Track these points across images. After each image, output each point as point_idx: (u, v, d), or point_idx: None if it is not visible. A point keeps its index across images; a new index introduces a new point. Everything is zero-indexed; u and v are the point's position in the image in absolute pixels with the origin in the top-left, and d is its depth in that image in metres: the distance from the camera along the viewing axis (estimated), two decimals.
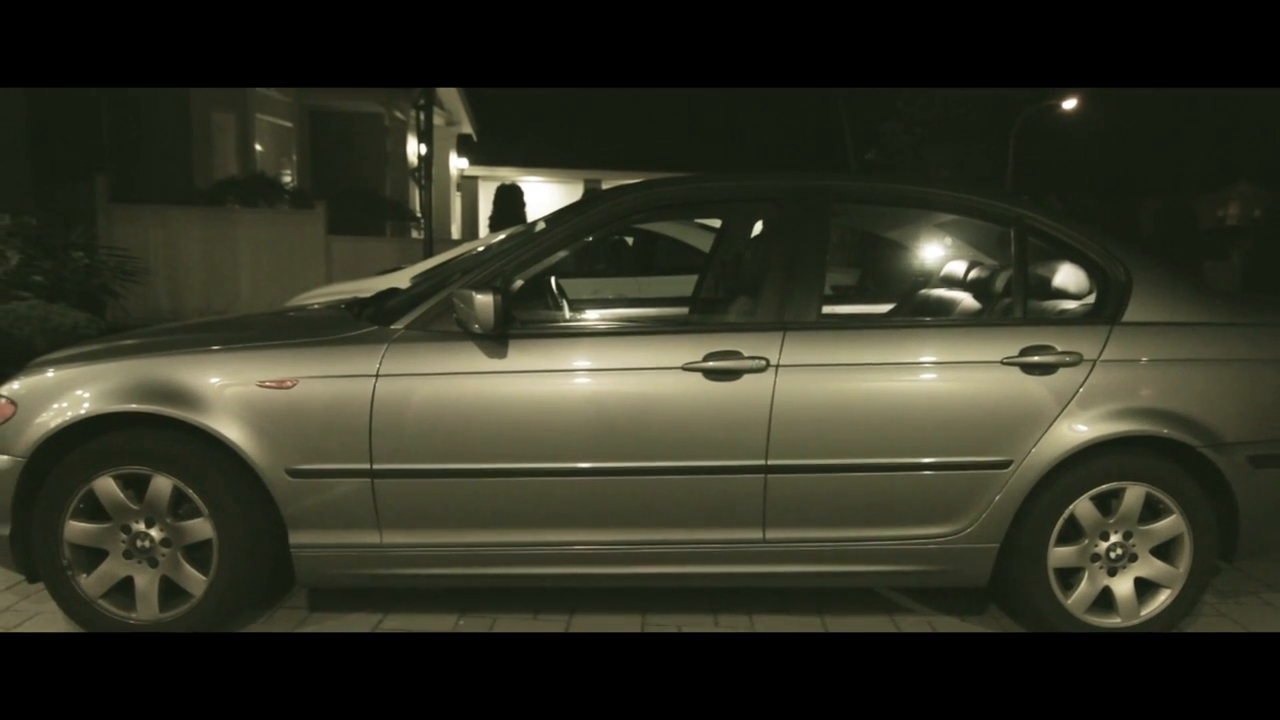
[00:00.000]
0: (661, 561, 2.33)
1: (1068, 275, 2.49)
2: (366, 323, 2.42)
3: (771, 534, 2.32)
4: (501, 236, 4.31)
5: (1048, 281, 2.52)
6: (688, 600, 2.66)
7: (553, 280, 3.20)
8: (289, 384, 2.22)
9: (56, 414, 2.22)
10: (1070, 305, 2.51)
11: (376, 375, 2.23)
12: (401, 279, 4.20)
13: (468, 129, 19.36)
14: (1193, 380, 2.33)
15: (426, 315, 2.32)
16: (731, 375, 2.25)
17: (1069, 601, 2.36)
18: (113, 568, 2.29)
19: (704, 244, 5.11)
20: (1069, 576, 2.38)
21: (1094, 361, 2.30)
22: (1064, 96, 17.70)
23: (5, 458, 2.24)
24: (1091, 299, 2.46)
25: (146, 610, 2.29)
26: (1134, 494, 2.33)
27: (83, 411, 2.21)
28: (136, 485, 2.26)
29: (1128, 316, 2.36)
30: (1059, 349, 2.30)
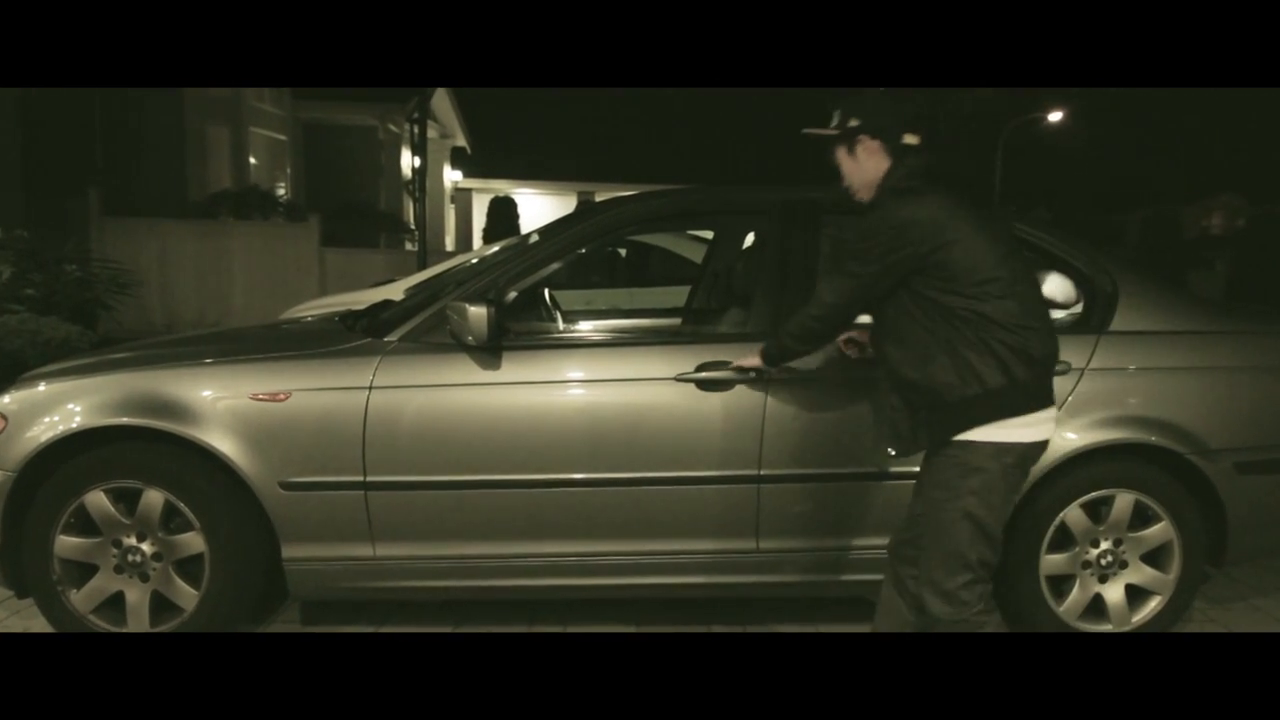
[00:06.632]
0: (655, 572, 2.32)
1: (1055, 285, 2.51)
2: (360, 335, 2.41)
3: (765, 544, 2.31)
4: (495, 249, 4.31)
5: None
6: (682, 611, 2.65)
7: (546, 292, 3.21)
8: (282, 396, 2.21)
9: (48, 428, 2.20)
10: (1058, 315, 2.52)
11: (370, 387, 2.22)
12: (395, 291, 4.19)
13: (461, 141, 19.41)
14: (1179, 388, 2.34)
15: (420, 327, 2.31)
16: (724, 385, 2.25)
17: (1061, 608, 2.36)
18: (103, 583, 2.27)
19: (696, 255, 5.12)
20: (1061, 584, 2.38)
21: (1082, 370, 2.32)
22: (1050, 109, 17.87)
23: None
24: (1079, 308, 2.48)
25: (138, 625, 2.26)
26: (1123, 501, 2.33)
27: (74, 425, 2.20)
28: (128, 499, 2.24)
29: (1115, 326, 2.38)
30: (1058, 354, 2.31)
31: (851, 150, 1.85)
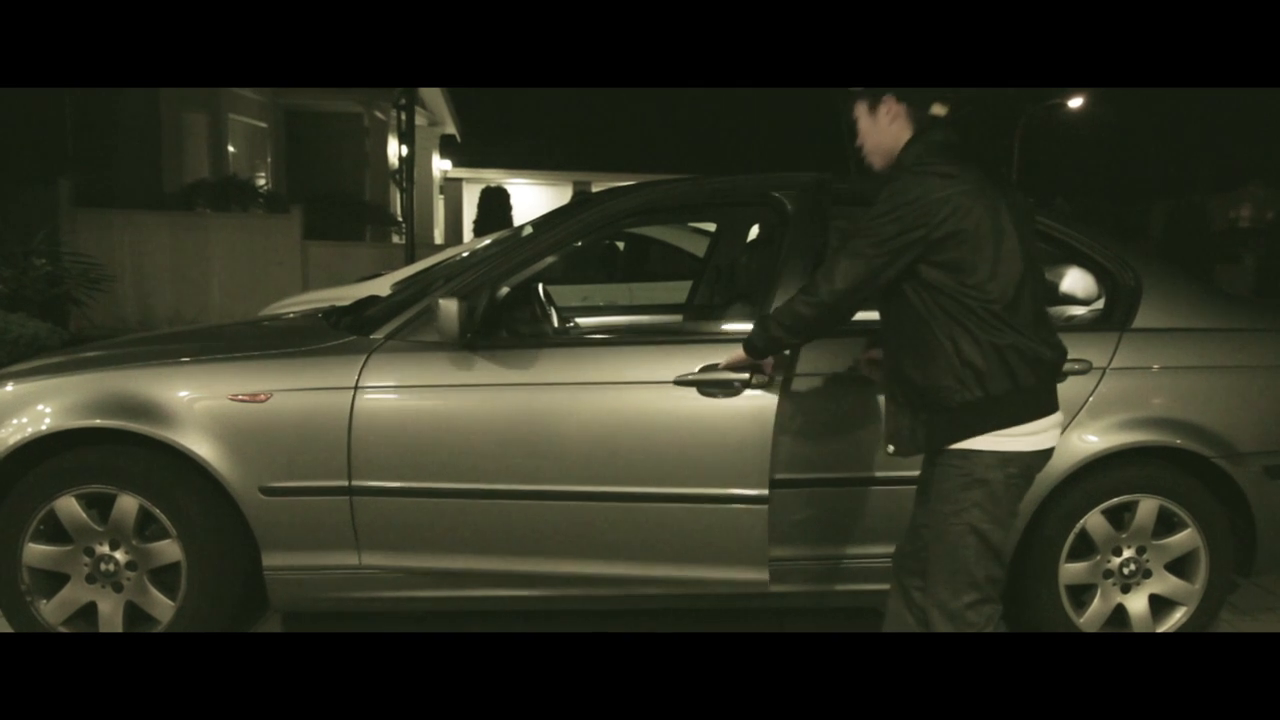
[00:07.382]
0: (656, 582, 2.31)
1: (1075, 280, 2.51)
2: (345, 332, 2.41)
3: (771, 552, 2.31)
4: (487, 242, 4.31)
5: (1054, 287, 2.54)
6: (685, 622, 2.65)
7: (540, 288, 3.20)
8: (263, 397, 2.21)
9: (16, 430, 2.20)
10: (1078, 311, 2.52)
11: (355, 387, 2.22)
12: (381, 286, 4.19)
13: (451, 129, 19.38)
14: (1206, 388, 2.34)
15: (408, 325, 2.31)
16: (728, 388, 2.24)
17: (1081, 620, 2.36)
18: (75, 593, 2.26)
19: (698, 248, 5.13)
20: (1081, 594, 2.39)
21: (1104, 369, 2.32)
22: (1069, 95, 17.87)
23: None
24: (1100, 304, 2.48)
25: None
26: (1147, 507, 2.34)
27: (44, 427, 2.19)
28: (100, 505, 2.24)
29: (1138, 322, 2.38)
30: (1067, 356, 2.31)
31: (873, 109, 1.76)
